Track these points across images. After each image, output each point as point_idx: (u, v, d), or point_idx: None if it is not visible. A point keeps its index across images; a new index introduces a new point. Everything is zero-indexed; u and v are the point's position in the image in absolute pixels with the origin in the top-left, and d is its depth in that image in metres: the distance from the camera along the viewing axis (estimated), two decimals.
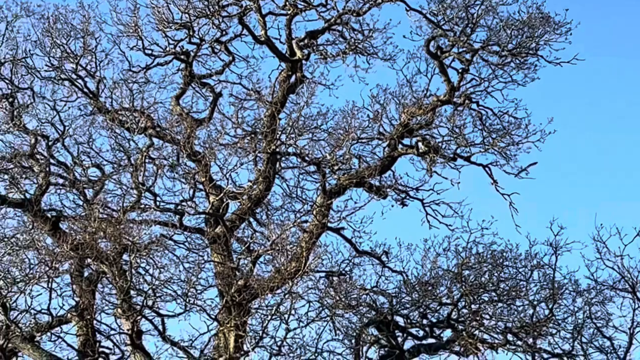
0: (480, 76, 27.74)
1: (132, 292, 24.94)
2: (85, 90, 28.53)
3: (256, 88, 28.92)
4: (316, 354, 25.97)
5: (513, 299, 27.03)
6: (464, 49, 27.44)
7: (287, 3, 27.65)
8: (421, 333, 27.28)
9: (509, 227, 27.52)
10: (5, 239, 25.85)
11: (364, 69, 28.48)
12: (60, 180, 28.18)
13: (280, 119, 27.55)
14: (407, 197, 28.59)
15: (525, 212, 28.28)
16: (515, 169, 27.93)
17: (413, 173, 28.28)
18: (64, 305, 25.38)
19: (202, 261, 27.22)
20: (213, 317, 25.00)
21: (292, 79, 28.31)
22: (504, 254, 27.22)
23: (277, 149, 27.20)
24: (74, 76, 28.42)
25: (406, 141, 28.02)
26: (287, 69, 28.26)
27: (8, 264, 24.91)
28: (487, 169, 28.21)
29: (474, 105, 28.00)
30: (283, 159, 28.13)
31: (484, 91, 27.87)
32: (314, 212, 26.97)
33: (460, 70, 27.59)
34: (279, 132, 27.32)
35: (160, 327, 24.97)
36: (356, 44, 28.39)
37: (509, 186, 27.97)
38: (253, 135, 27.83)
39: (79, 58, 28.42)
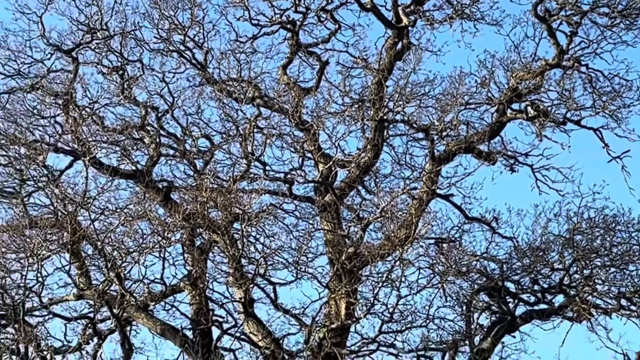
0: (588, 38, 27.24)
1: (243, 260, 25.20)
2: (193, 61, 28.80)
3: (363, 56, 28.86)
4: (427, 321, 25.97)
5: (626, 264, 26.56)
6: (572, 11, 26.96)
7: None
8: (532, 299, 27.02)
9: (621, 191, 27.06)
10: (119, 210, 26.25)
11: (471, 34, 28.20)
12: (171, 151, 28.57)
13: (387, 86, 27.50)
14: (517, 163, 28.32)
15: (638, 175, 27.75)
16: (626, 131, 27.38)
17: (522, 138, 28.07)
18: (176, 274, 25.81)
19: (312, 229, 27.35)
20: (324, 284, 25.13)
21: (399, 45, 28.18)
22: (617, 218, 26.81)
23: (385, 117, 27.14)
24: (182, 48, 28.72)
25: (515, 106, 27.70)
26: (394, 35, 28.12)
27: (122, 235, 25.30)
28: (597, 132, 27.70)
29: (583, 68, 27.52)
30: (391, 126, 28.05)
31: (593, 53, 27.37)
32: (423, 179, 26.86)
33: (568, 33, 27.12)
34: (387, 100, 27.25)
35: (272, 295, 25.22)
36: (463, 9, 28.13)
37: (621, 149, 27.47)
38: (361, 103, 27.81)
39: (186, 29, 28.69)
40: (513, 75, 27.30)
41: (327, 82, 28.87)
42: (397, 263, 25.11)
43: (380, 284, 24.97)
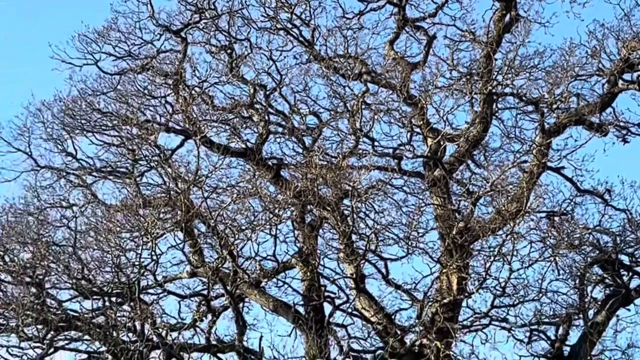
0: None
1: (354, 236, 25.25)
2: (300, 39, 28.81)
3: (470, 29, 28.53)
4: (540, 295, 25.73)
5: None
6: None
7: None
8: None
9: None
10: (230, 188, 26.53)
11: (580, 4, 27.65)
12: (279, 129, 28.71)
13: (496, 59, 27.16)
14: (629, 134, 27.75)
15: None
16: None
17: (635, 109, 27.37)
18: (288, 251, 26.06)
19: (422, 204, 27.28)
20: (435, 259, 25.07)
21: (507, 18, 27.82)
22: None
23: (494, 90, 26.86)
24: (289, 25, 28.74)
25: (627, 76, 27.09)
26: (501, 8, 27.78)
27: (233, 213, 25.57)
28: None
29: None
30: (500, 99, 27.74)
31: None
32: (534, 152, 26.51)
33: None
34: (495, 73, 26.97)
35: (383, 271, 25.26)
36: None
37: None
38: (469, 77, 27.53)
39: (293, 7, 28.70)
40: (624, 45, 26.71)
41: (435, 56, 28.68)
42: (509, 237, 24.94)
43: (492, 258, 24.84)
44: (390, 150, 27.23)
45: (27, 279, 25.18)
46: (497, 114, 27.98)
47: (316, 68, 28.71)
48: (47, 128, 28.36)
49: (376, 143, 27.08)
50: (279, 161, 27.66)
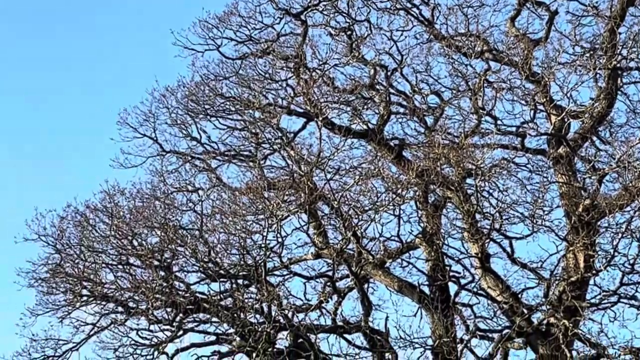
0: None
1: (477, 215, 25.12)
2: (420, 18, 28.68)
3: (593, 3, 27.96)
4: None
5: None
6: None
7: None
8: None
9: None
10: (352, 169, 26.59)
11: None
12: (401, 109, 28.66)
13: (620, 33, 26.59)
14: None
15: None
16: None
17: None
18: (411, 231, 26.00)
19: (547, 182, 26.91)
20: (561, 237, 24.76)
21: None
22: None
23: (618, 65, 26.33)
24: (408, 5, 28.63)
25: None
26: None
27: (357, 194, 25.64)
28: None
29: None
30: (625, 74, 27.19)
31: None
32: None
33: None
34: (620, 47, 26.41)
35: (508, 250, 25.05)
36: None
37: None
38: (592, 52, 27.03)
39: None
40: None
41: (557, 32, 28.19)
42: (637, 213, 24.47)
43: (620, 235, 24.42)
44: (514, 128, 27.01)
45: (156, 263, 25.69)
46: (622, 89, 27.45)
47: (437, 47, 28.58)
48: (172, 113, 28.89)
49: (499, 121, 26.92)
50: (400, 141, 27.62)
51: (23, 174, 50.74)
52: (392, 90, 28.27)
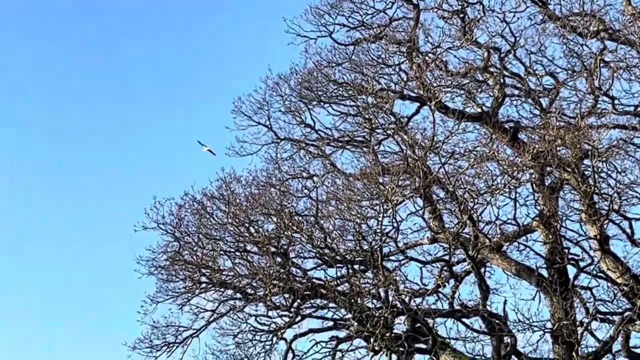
0: None
1: (595, 197, 24.73)
2: None
3: None
4: None
5: None
6: None
7: None
8: None
9: None
10: (467, 153, 26.41)
11: None
12: (515, 91, 28.38)
13: None
14: None
15: None
16: None
17: None
18: (528, 214, 25.75)
19: None
20: None
21: None
22: None
23: None
24: None
25: None
26: None
27: (472, 177, 25.47)
28: None
29: None
30: None
31: None
32: None
33: None
34: None
35: (628, 231, 24.63)
36: None
37: None
38: None
39: None
40: None
41: None
42: None
43: None
44: (631, 108, 26.48)
45: (273, 249, 25.92)
46: None
47: (551, 28, 28.16)
48: (286, 101, 29.12)
49: (616, 101, 26.40)
50: (515, 124, 27.37)
51: (141, 164, 51.77)
52: (506, 73, 28.06)
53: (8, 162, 53.11)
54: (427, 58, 28.00)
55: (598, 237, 24.72)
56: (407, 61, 28.19)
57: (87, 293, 50.51)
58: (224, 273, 26.53)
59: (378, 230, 24.66)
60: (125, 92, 54.73)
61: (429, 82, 26.99)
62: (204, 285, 26.85)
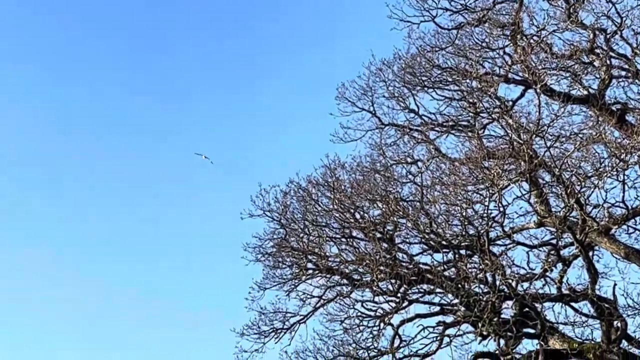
0: None
1: None
2: None
3: None
4: None
5: None
6: None
7: None
8: None
9: None
10: (573, 136, 26.12)
11: None
12: (622, 73, 27.91)
13: None
14: None
15: None
16: None
17: None
18: (637, 196, 25.33)
19: None
20: None
21: None
22: None
23: None
24: None
25: None
26: None
27: (578, 160, 25.18)
28: None
29: None
30: None
31: None
32: None
33: None
34: None
35: None
36: None
37: None
38: None
39: None
40: None
41: None
42: None
43: None
44: None
45: (378, 235, 26.00)
46: None
47: None
48: (389, 86, 29.17)
49: None
50: (623, 105, 26.94)
51: (247, 152, 52.32)
52: (612, 54, 27.57)
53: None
54: (531, 41, 27.70)
55: None
56: (511, 44, 27.96)
57: (196, 281, 51.38)
58: (330, 259, 26.71)
59: (484, 215, 24.57)
60: (230, 80, 55.42)
61: (533, 65, 26.73)
62: (310, 271, 27.08)
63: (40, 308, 52.51)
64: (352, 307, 25.92)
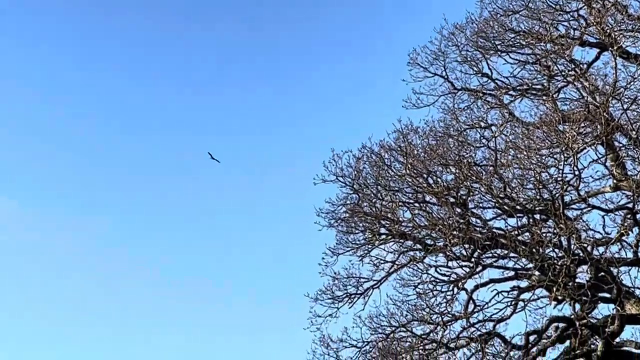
0: None
1: None
2: None
3: None
4: None
5: None
6: None
7: None
8: None
9: None
10: None
11: None
12: None
13: None
14: None
15: None
16: None
17: None
18: None
19: None
20: None
21: None
22: None
23: None
24: None
25: None
26: None
27: None
28: None
29: None
30: None
31: None
32: None
33: None
34: None
35: None
36: None
37: None
38: None
39: None
40: None
41: None
42: None
43: None
44: None
45: (452, 200, 25.89)
46: None
47: None
48: (462, 51, 28.95)
49: None
50: None
51: (319, 117, 52.43)
52: None
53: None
54: (606, 2, 27.25)
55: None
56: (586, 6, 27.51)
57: (269, 247, 51.73)
58: (403, 224, 26.68)
59: (559, 179, 24.31)
60: (304, 47, 55.51)
61: (609, 27, 26.30)
62: (383, 236, 27.08)
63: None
64: (425, 272, 25.92)
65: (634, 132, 24.07)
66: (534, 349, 24.77)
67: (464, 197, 26.03)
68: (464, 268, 25.60)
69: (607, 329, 23.71)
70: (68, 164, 56.40)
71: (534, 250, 24.17)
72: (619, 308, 23.51)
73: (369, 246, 27.21)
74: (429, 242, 26.31)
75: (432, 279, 25.80)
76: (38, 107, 56.97)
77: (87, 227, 54.79)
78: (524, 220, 25.34)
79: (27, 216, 54.48)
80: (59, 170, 57.08)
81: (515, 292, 24.94)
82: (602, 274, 23.71)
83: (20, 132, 56.54)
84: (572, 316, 23.98)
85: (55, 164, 57.20)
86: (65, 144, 57.24)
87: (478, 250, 25.34)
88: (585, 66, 27.01)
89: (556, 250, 24.33)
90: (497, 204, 25.71)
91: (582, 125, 24.91)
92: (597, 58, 27.09)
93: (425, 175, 26.56)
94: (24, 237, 54.73)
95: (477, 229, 25.75)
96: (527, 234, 25.15)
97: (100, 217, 54.46)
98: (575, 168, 24.28)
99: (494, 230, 25.59)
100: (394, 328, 25.85)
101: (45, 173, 56.77)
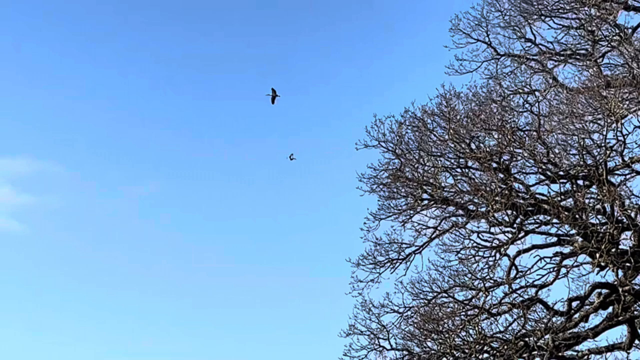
0: None
1: None
2: None
3: None
4: None
5: None
6: None
7: None
8: None
9: None
10: None
11: None
12: None
13: None
14: None
15: None
16: None
17: None
18: None
19: None
20: None
21: None
22: None
23: None
24: None
25: None
26: None
27: None
28: None
29: None
30: None
31: None
32: None
33: None
34: None
35: None
36: None
37: None
38: None
39: None
40: None
41: None
42: None
43: None
44: None
45: (494, 165, 25.81)
46: None
47: None
48: (505, 16, 28.77)
49: None
50: None
51: (362, 82, 52.37)
52: None
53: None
54: None
55: None
56: None
57: (311, 211, 51.86)
58: (445, 190, 26.64)
59: (602, 144, 24.17)
60: (350, 13, 55.45)
61: None
62: (425, 202, 27.07)
63: None
64: (467, 237, 25.91)
65: None
66: (577, 315, 24.74)
67: (507, 162, 25.94)
68: (506, 234, 25.57)
69: None
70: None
71: (577, 216, 24.08)
72: None
73: (411, 211, 27.20)
74: (471, 207, 26.26)
75: (474, 244, 25.81)
76: (89, 71, 57.25)
77: (132, 194, 55.28)
78: (567, 186, 25.19)
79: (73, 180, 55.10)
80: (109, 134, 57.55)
81: (558, 258, 24.87)
82: None
83: (71, 97, 56.92)
84: (615, 282, 23.91)
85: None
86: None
87: (520, 216, 25.28)
88: (629, 31, 26.72)
89: (599, 216, 24.24)
90: (540, 170, 25.60)
91: (626, 90, 24.69)
92: None
93: (467, 141, 26.46)
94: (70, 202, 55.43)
95: (520, 194, 25.66)
96: (570, 200, 25.01)
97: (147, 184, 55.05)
98: (619, 134, 24.14)
99: (537, 196, 25.48)
100: (435, 294, 25.89)
101: (93, 139, 57.17)
